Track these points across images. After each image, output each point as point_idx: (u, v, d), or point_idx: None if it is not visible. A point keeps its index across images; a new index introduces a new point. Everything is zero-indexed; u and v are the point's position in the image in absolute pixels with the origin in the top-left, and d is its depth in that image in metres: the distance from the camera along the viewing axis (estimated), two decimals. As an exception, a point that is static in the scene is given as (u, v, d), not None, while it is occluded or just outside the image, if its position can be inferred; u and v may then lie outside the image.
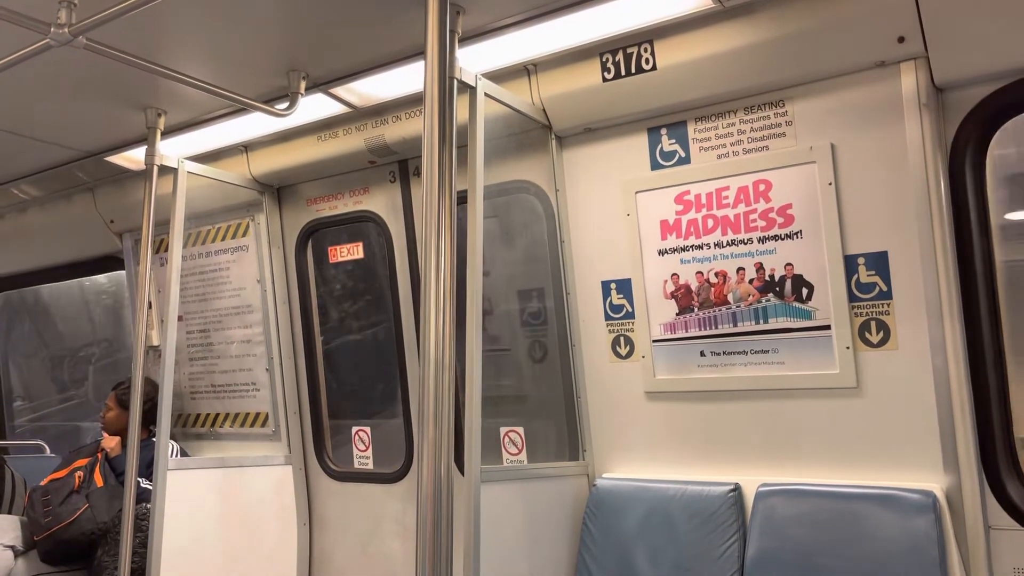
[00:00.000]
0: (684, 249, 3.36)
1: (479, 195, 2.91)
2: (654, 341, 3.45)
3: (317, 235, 4.67)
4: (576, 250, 3.63)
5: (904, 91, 2.84)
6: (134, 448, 3.76)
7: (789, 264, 3.13)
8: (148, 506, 3.93)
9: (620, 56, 3.23)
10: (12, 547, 4.44)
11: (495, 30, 3.07)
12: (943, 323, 2.82)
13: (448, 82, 2.57)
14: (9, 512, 5.10)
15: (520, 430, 3.90)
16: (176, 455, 4.52)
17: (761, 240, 3.19)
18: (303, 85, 3.45)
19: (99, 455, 4.59)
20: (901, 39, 2.76)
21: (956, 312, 2.82)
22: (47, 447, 6.19)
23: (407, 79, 3.45)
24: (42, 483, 4.57)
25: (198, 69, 3.32)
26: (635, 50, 3.19)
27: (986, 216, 2.90)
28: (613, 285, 3.55)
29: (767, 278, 3.18)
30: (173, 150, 4.04)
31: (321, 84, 3.53)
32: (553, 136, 3.59)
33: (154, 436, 4.10)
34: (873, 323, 3.00)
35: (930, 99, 2.81)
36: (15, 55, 2.89)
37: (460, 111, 2.71)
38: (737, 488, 3.19)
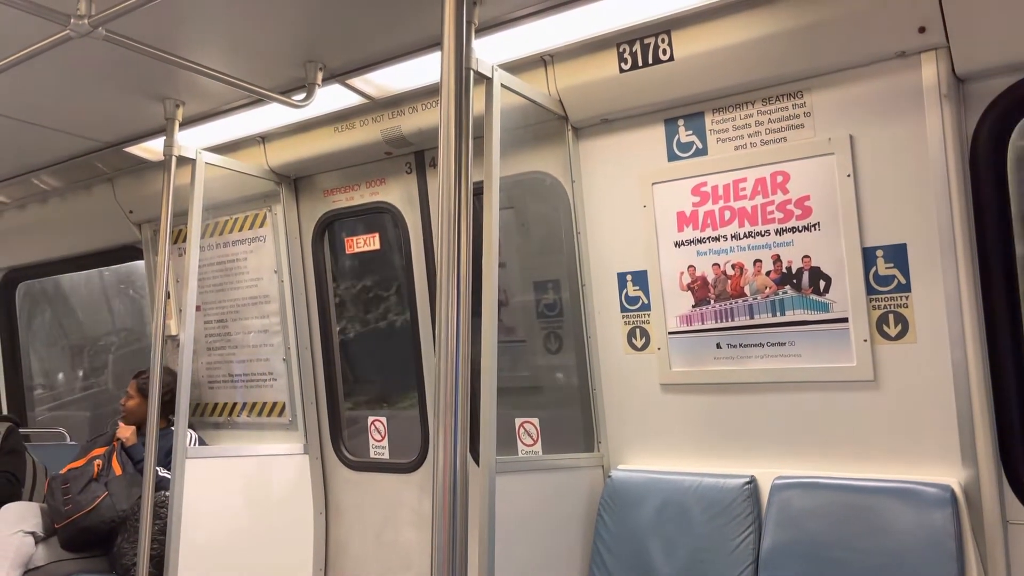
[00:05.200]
0: (701, 241, 3.34)
1: (495, 186, 2.91)
2: (670, 333, 3.44)
3: (334, 226, 4.68)
4: (592, 242, 3.62)
5: (924, 82, 2.81)
6: (153, 436, 3.79)
7: (806, 256, 3.12)
8: (166, 494, 3.97)
9: (637, 47, 3.21)
10: (33, 533, 4.49)
11: (512, 20, 3.06)
12: (962, 316, 2.80)
13: (465, 73, 2.57)
14: (30, 499, 5.16)
15: (535, 421, 3.91)
16: (194, 444, 4.56)
17: (778, 232, 3.17)
18: (320, 76, 3.46)
19: (115, 444, 4.64)
20: (922, 29, 2.73)
21: (976, 305, 2.79)
22: (67, 435, 6.25)
23: (423, 70, 3.45)
24: (61, 472, 4.62)
25: (216, 60, 3.33)
26: (652, 41, 3.17)
27: (1007, 208, 2.87)
28: (629, 277, 3.54)
29: (784, 270, 3.17)
30: (191, 141, 4.07)
31: (338, 75, 3.53)
32: (569, 127, 3.58)
33: (172, 425, 4.14)
34: (891, 316, 2.98)
35: (951, 90, 2.78)
36: (35, 46, 2.91)
37: (476, 102, 2.71)
38: (753, 480, 3.18)
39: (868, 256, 3.00)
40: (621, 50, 3.25)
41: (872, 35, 2.86)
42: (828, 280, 3.08)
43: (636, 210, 3.48)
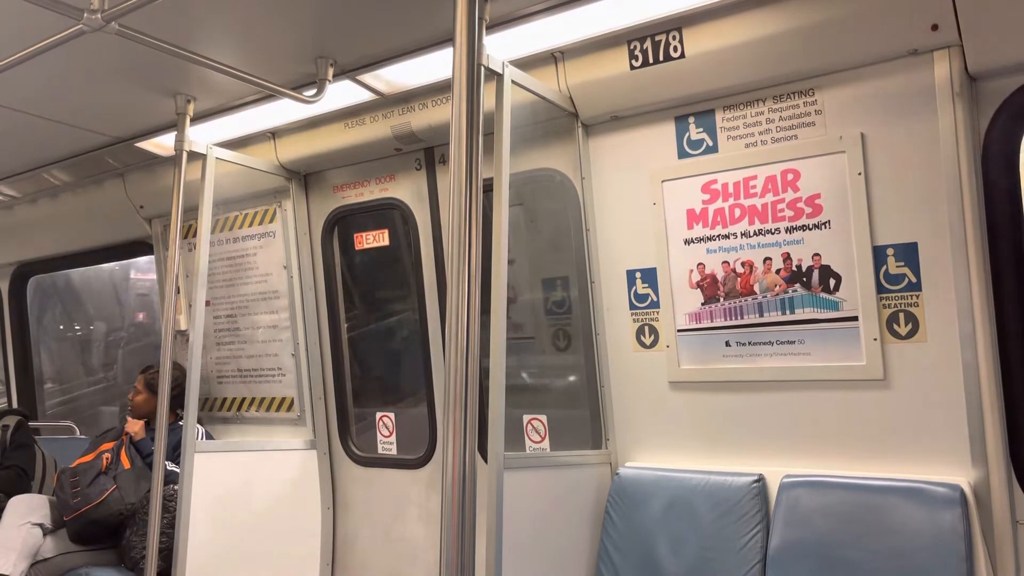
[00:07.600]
0: (710, 239, 3.34)
1: (505, 183, 2.91)
2: (679, 331, 3.44)
3: (343, 222, 4.69)
4: (601, 239, 3.62)
5: (937, 80, 2.80)
6: (163, 431, 3.81)
7: (817, 254, 3.11)
8: (175, 487, 3.99)
9: (648, 44, 3.21)
10: (41, 525, 4.52)
11: (523, 17, 3.07)
12: (973, 315, 2.79)
13: (475, 69, 2.56)
14: (40, 492, 5.18)
15: (543, 418, 3.91)
16: (202, 438, 4.57)
17: (788, 230, 3.17)
18: (331, 72, 3.47)
19: (124, 438, 4.66)
20: (935, 27, 2.72)
21: (986, 304, 2.78)
22: (77, 428, 6.29)
23: (434, 66, 3.46)
24: (70, 465, 4.65)
25: (227, 56, 3.34)
26: (663, 38, 3.17)
27: (1018, 208, 2.86)
28: (638, 274, 3.54)
29: (794, 268, 3.16)
30: (202, 136, 4.08)
31: (349, 71, 3.54)
32: (580, 124, 3.58)
33: (181, 420, 4.16)
34: (901, 315, 2.97)
35: (963, 88, 2.77)
36: (48, 40, 2.92)
37: (487, 99, 2.70)
38: (761, 479, 3.18)
39: (879, 255, 3.00)
40: (632, 47, 3.25)
41: (884, 33, 2.85)
42: (838, 278, 3.07)
43: (646, 207, 3.48)
